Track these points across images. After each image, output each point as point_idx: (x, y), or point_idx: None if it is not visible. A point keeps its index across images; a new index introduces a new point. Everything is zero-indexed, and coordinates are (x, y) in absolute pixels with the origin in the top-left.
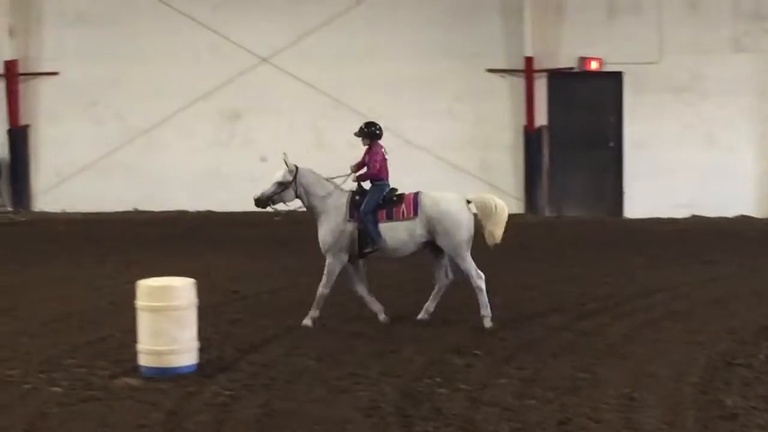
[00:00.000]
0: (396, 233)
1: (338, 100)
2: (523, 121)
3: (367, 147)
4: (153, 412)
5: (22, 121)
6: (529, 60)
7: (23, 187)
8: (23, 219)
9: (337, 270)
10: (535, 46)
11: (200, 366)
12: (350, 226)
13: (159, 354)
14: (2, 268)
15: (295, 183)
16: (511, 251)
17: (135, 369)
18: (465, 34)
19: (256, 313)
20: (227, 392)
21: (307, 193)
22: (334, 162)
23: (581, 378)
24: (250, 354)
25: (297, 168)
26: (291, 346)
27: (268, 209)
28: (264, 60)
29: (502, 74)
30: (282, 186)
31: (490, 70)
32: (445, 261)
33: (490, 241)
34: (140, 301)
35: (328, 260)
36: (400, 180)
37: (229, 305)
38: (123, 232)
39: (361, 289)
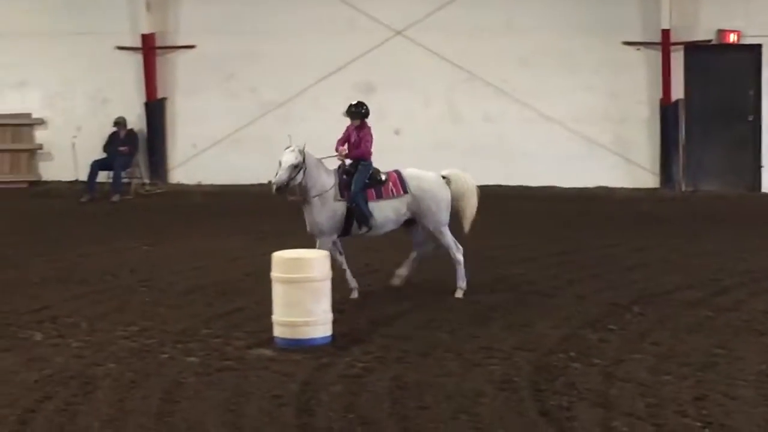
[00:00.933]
0: (383, 212)
1: (472, 73)
2: (659, 94)
3: (354, 126)
4: (287, 383)
5: (159, 94)
6: (666, 33)
7: (160, 160)
8: (160, 191)
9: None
10: (673, 18)
11: (334, 338)
12: (341, 206)
13: (293, 325)
14: (139, 239)
15: (304, 164)
16: (650, 226)
17: (270, 340)
18: (602, 7)
19: (388, 285)
20: (360, 364)
21: (309, 174)
22: (467, 135)
23: (717, 354)
24: (383, 327)
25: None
26: (424, 319)
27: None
28: (398, 33)
29: (639, 47)
30: (296, 169)
31: (627, 43)
32: (420, 234)
33: (463, 222)
34: (275, 273)
35: (320, 241)
36: (538, 152)
37: (361, 278)
38: (257, 205)
39: (343, 261)
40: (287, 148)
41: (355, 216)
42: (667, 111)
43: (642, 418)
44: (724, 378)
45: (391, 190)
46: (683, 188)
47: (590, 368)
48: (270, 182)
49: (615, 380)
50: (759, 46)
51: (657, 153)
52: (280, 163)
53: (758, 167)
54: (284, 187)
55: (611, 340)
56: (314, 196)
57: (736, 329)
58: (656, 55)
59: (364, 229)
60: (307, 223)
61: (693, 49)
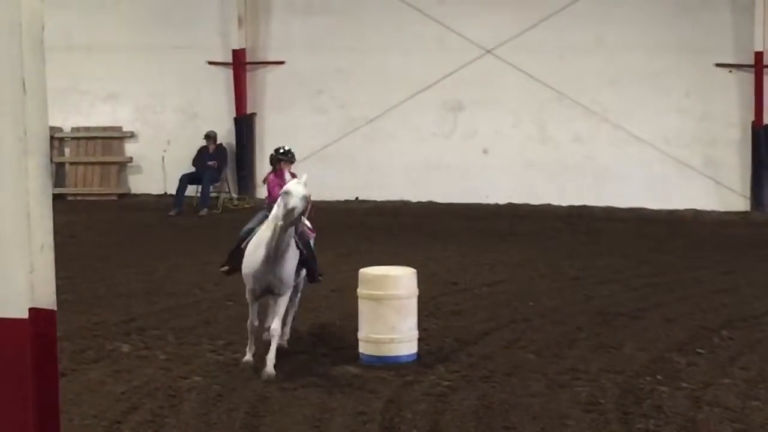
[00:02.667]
0: None
1: (562, 92)
2: (751, 117)
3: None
4: (372, 400)
5: (249, 110)
6: (759, 55)
7: (248, 174)
8: (247, 205)
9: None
10: (767, 40)
11: (419, 356)
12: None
13: (379, 342)
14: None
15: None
16: (740, 249)
17: (355, 357)
18: (694, 28)
19: (475, 304)
20: (446, 383)
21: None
22: (555, 155)
23: None
24: (469, 346)
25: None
26: (510, 338)
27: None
28: (488, 51)
29: (731, 69)
30: (306, 203)
31: (719, 65)
32: None
33: None
34: (361, 290)
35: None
36: (627, 173)
37: (448, 296)
38: (345, 220)
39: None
40: (295, 180)
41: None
42: (759, 134)
43: None
44: None
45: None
46: None
47: (677, 392)
48: (280, 220)
49: (702, 404)
50: None
51: (748, 176)
52: (288, 193)
53: None
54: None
55: (699, 363)
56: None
57: None
58: (749, 77)
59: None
60: (268, 273)
61: None
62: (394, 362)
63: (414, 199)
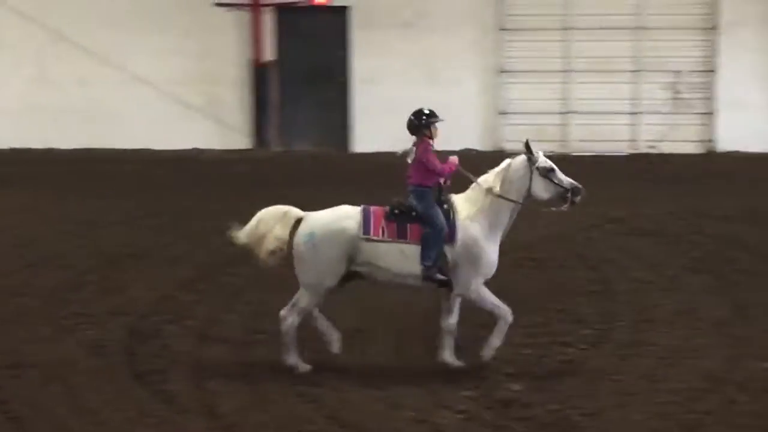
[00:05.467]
0: None
1: (63, 34)
2: (251, 55)
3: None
4: None
5: None
6: None
7: None
8: None
9: None
10: None
11: None
12: None
13: None
14: None
15: None
16: (243, 187)
17: None
18: None
19: None
20: None
21: None
22: (58, 98)
23: None
24: None
25: None
26: (15, 285)
27: None
28: None
29: (229, 8)
30: None
31: (218, 4)
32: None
33: None
34: None
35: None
36: (131, 115)
37: None
38: None
39: None
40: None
41: None
42: (259, 72)
43: (237, 377)
44: (317, 335)
45: None
46: (275, 148)
47: (184, 330)
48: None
49: (208, 341)
50: (345, 8)
51: (249, 114)
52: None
53: (348, 127)
54: None
55: (204, 301)
56: None
57: None
58: (247, 16)
59: None
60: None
61: (284, 10)
62: None
63: None
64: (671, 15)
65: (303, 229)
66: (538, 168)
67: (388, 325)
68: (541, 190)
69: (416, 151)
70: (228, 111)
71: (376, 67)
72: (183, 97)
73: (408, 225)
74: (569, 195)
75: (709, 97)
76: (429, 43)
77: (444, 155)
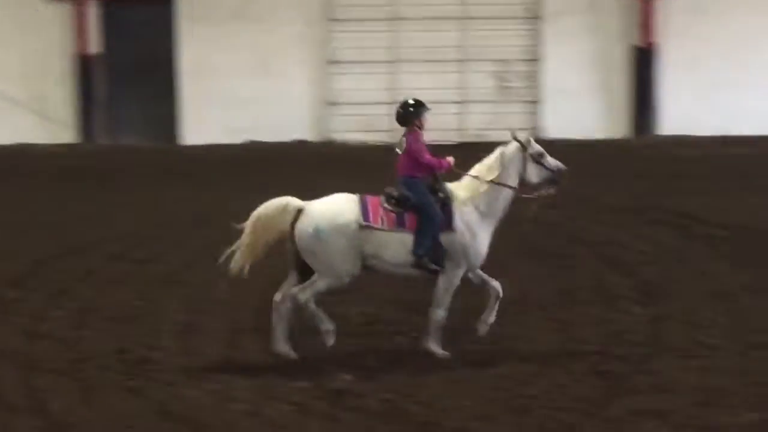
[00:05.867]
0: None
1: None
2: (75, 49)
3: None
4: None
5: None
6: None
7: None
8: None
9: None
10: None
11: None
12: None
13: None
14: None
15: None
16: (69, 180)
17: None
18: None
19: None
20: None
21: None
22: None
23: (138, 306)
24: None
25: None
26: None
27: None
28: None
29: (53, 1)
30: None
31: None
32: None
33: None
34: None
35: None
36: None
37: None
38: None
39: None
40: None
41: None
42: (85, 66)
43: (65, 373)
44: (147, 330)
45: None
46: (102, 142)
47: (8, 327)
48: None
49: (36, 338)
50: (173, 0)
51: (75, 108)
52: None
53: (177, 120)
54: None
55: (30, 298)
56: None
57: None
58: (75, 9)
59: None
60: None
61: (110, 3)
62: None
63: None
64: (497, 5)
65: (307, 222)
66: (531, 154)
67: (219, 319)
68: (534, 174)
69: (406, 141)
70: (53, 105)
71: (204, 59)
72: (7, 93)
73: (405, 214)
74: (557, 177)
75: (534, 86)
76: (257, 34)
77: (279, 146)
